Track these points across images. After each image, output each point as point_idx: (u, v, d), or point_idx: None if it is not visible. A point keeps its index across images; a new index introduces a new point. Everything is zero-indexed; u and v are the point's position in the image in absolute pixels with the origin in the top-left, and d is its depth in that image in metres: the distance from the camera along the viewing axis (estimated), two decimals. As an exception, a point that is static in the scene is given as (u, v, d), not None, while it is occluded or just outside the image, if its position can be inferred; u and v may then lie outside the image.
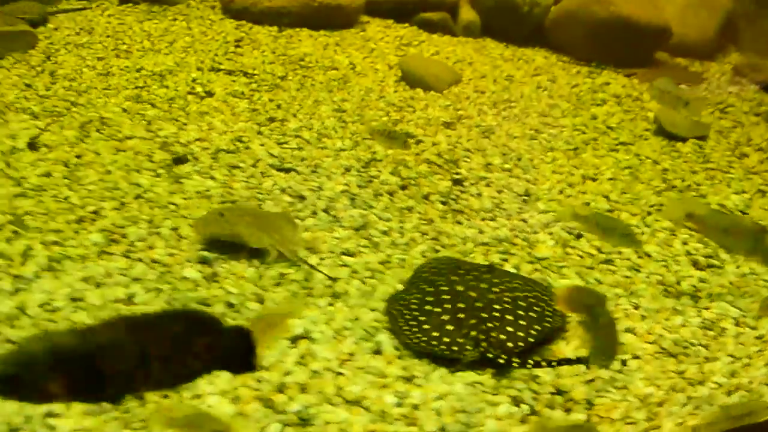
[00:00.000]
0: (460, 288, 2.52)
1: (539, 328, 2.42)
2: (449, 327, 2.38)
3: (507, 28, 5.96)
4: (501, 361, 2.26)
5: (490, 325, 2.39)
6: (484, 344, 2.32)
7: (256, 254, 2.75)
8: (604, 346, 2.12)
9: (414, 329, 2.38)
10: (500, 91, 4.79)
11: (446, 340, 2.34)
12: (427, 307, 2.45)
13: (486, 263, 2.79)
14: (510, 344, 2.34)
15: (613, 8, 5.83)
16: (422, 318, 2.42)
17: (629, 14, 5.83)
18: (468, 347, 2.32)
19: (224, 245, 2.76)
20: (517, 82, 5.03)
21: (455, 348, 2.32)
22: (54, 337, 1.50)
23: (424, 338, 2.35)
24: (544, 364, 2.25)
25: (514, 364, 2.25)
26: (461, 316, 2.42)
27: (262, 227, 2.82)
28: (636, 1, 6.22)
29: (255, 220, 2.85)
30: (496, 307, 2.44)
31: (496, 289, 2.52)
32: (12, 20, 4.74)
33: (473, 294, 2.49)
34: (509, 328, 2.39)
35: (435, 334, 2.36)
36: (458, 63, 5.20)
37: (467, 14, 5.96)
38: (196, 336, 1.52)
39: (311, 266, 2.68)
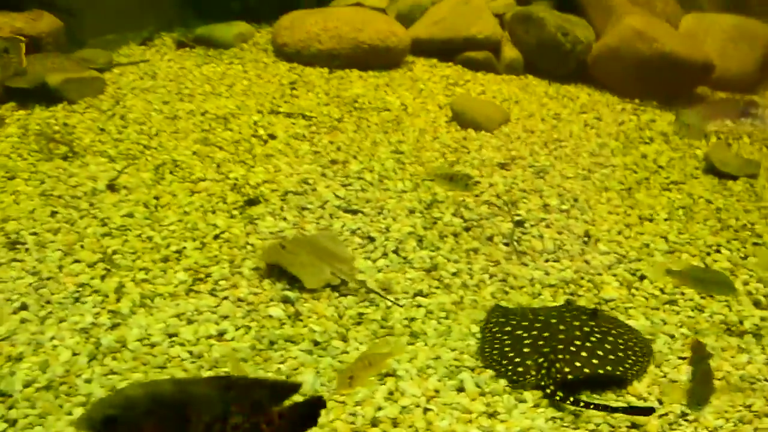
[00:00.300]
0: (553, 320, 2.76)
1: (610, 368, 2.59)
2: (525, 350, 2.63)
3: (549, 66, 6.21)
4: (548, 390, 2.47)
5: (560, 356, 2.59)
6: (543, 371, 2.53)
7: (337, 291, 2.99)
8: (700, 392, 2.33)
9: (496, 348, 2.65)
10: (549, 130, 5.02)
11: (517, 360, 2.59)
12: (518, 332, 2.72)
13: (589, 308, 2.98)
14: (570, 377, 2.53)
15: (656, 45, 6.05)
16: (508, 341, 2.68)
17: (672, 50, 6.04)
18: (532, 372, 2.55)
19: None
20: (564, 121, 5.26)
21: (520, 369, 2.57)
22: (155, 384, 1.73)
23: (497, 356, 2.62)
24: (582, 404, 2.41)
25: (556, 398, 2.45)
26: (541, 343, 2.65)
27: (322, 256, 3.11)
28: (677, 36, 6.46)
29: (314, 249, 3.15)
30: (577, 342, 2.64)
31: (587, 329, 2.71)
32: (82, 67, 5.13)
33: (562, 327, 2.71)
34: (577, 363, 2.58)
35: (510, 354, 2.62)
36: (505, 102, 5.45)
37: (510, 53, 6.24)
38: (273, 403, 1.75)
39: (393, 302, 2.91)
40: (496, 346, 2.67)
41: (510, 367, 2.57)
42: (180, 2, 6.43)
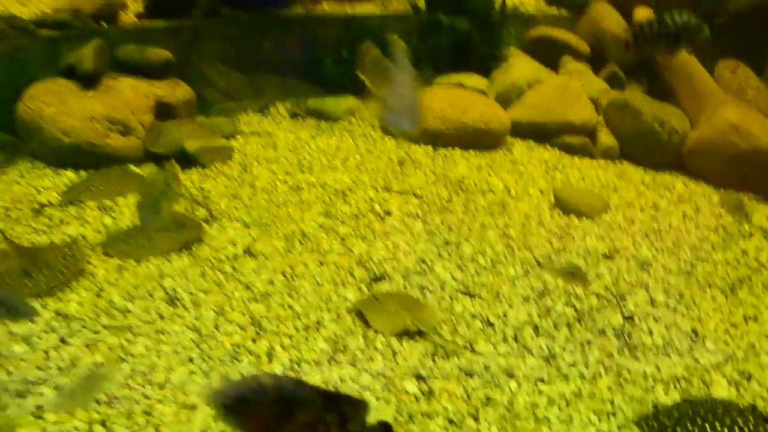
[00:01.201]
0: (719, 409, 3.14)
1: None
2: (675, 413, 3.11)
3: (645, 154, 6.59)
4: None
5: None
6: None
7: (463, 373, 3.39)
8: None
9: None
10: (649, 221, 5.36)
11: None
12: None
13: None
14: None
15: (752, 139, 6.37)
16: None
17: (769, 145, 6.32)
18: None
19: (434, 362, 3.43)
20: (663, 212, 5.59)
21: (655, 425, 3.07)
22: (281, 379, 2.04)
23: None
24: None
25: None
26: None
27: (407, 307, 3.74)
28: (774, 130, 6.73)
29: (400, 301, 3.82)
30: (716, 426, 3.00)
31: (740, 420, 3.03)
32: (212, 134, 5.84)
33: (719, 414, 3.09)
34: None
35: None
36: (603, 189, 5.83)
37: (606, 139, 6.65)
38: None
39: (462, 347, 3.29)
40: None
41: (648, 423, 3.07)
42: (293, 75, 7.16)
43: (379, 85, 4.79)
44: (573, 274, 4.12)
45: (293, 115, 6.68)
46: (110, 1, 6.59)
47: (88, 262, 4.10)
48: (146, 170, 5.38)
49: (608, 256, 4.68)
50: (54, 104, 5.52)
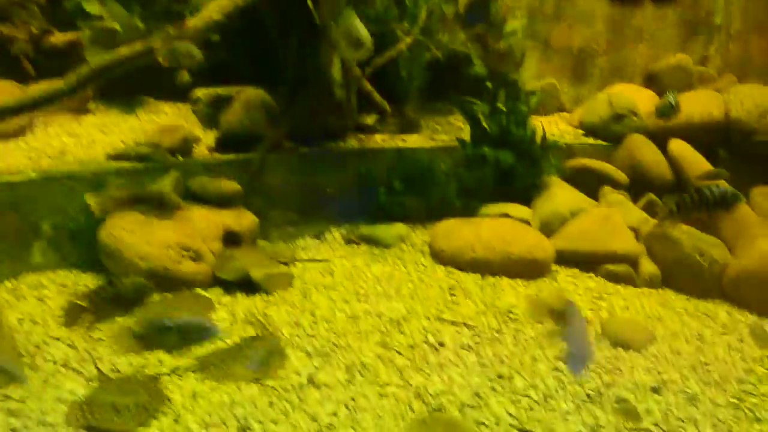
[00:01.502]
0: None
1: None
2: None
3: (687, 282, 6.84)
4: None
5: None
6: None
7: None
8: None
9: None
10: (694, 353, 5.54)
11: None
12: None
13: None
14: None
15: (793, 270, 6.58)
16: None
17: (811, 276, 6.52)
18: None
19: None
20: (708, 343, 5.76)
21: None
22: None
23: None
24: None
25: None
26: None
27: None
28: (815, 258, 6.94)
29: (447, 428, 4.11)
30: None
31: None
32: (274, 261, 6.34)
33: None
34: None
35: None
36: (648, 319, 6.06)
37: (648, 267, 6.94)
38: None
39: None
40: None
41: None
42: (347, 203, 7.75)
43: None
44: (624, 410, 4.32)
45: (348, 241, 7.18)
46: (187, 137, 7.39)
47: (165, 387, 4.48)
48: (213, 294, 5.85)
49: (656, 390, 4.86)
50: (134, 231, 6.13)
